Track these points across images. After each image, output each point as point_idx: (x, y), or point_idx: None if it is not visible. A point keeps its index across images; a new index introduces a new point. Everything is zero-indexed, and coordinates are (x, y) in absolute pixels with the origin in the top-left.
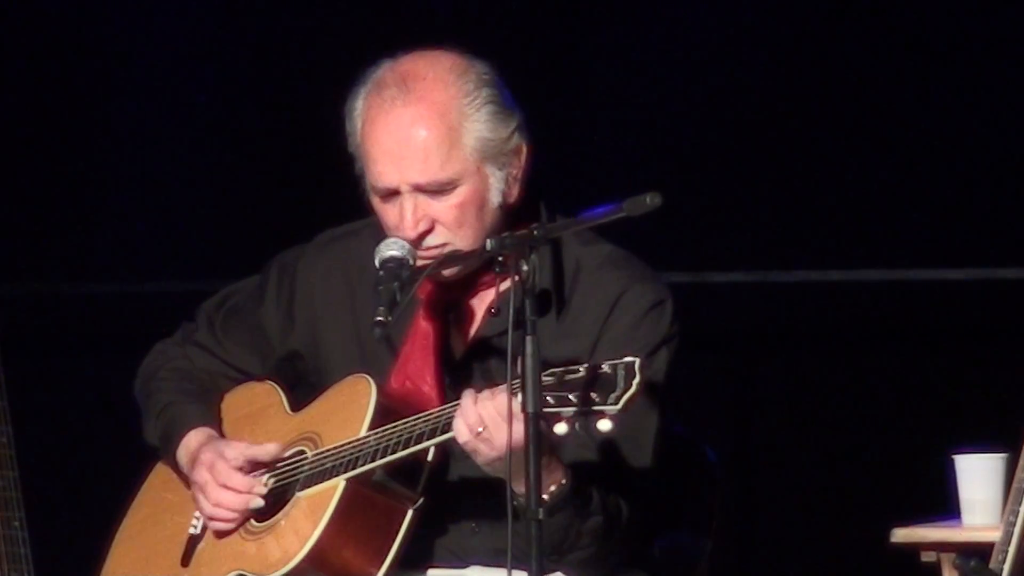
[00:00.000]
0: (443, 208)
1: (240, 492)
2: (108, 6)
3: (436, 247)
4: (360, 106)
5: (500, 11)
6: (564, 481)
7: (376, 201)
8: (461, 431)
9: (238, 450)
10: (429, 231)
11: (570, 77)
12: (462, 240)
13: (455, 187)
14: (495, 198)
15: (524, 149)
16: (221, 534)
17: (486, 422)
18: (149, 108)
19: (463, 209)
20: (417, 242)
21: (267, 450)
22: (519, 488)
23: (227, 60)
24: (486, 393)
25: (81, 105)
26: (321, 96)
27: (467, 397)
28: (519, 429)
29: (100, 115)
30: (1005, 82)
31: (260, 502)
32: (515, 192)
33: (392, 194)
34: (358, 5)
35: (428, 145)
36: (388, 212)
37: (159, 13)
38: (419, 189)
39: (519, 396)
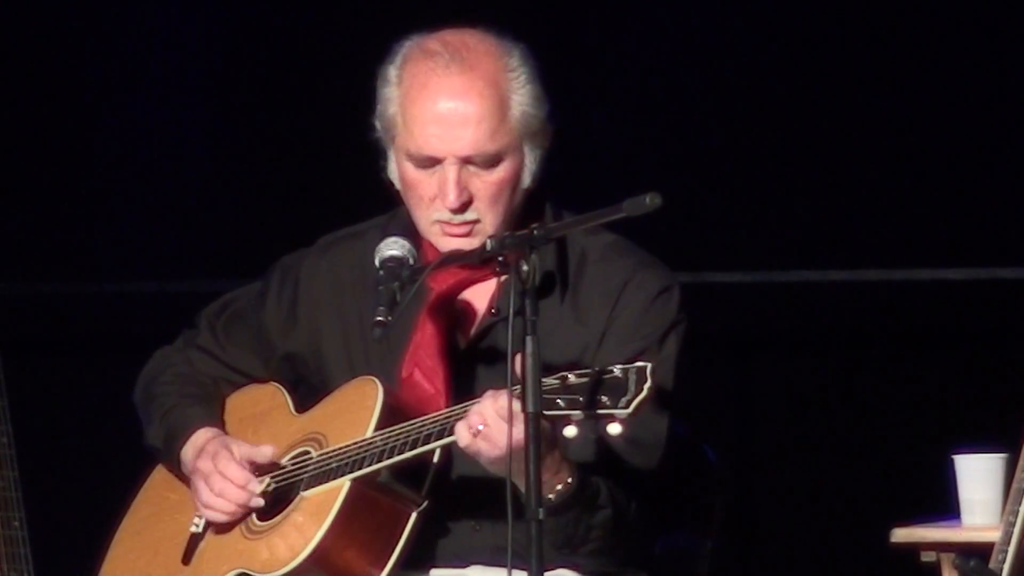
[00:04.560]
0: (484, 183)
1: (236, 485)
2: (108, 4)
3: (469, 222)
4: (401, 72)
5: (500, 11)
6: (571, 480)
7: (409, 170)
8: (462, 434)
9: (242, 449)
10: (468, 203)
11: (570, 77)
12: (493, 218)
13: (500, 161)
14: (527, 178)
15: (550, 134)
16: (222, 532)
17: (488, 422)
18: (149, 107)
19: (501, 186)
20: (458, 212)
21: (263, 452)
22: (523, 487)
23: (229, 59)
24: (489, 393)
25: (81, 104)
26: (323, 96)
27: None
28: (519, 429)
29: (100, 115)
30: (1005, 82)
31: (260, 501)
32: (538, 178)
33: (432, 164)
34: (361, 6)
35: (481, 116)
36: (423, 183)
37: (160, 11)
38: (466, 161)
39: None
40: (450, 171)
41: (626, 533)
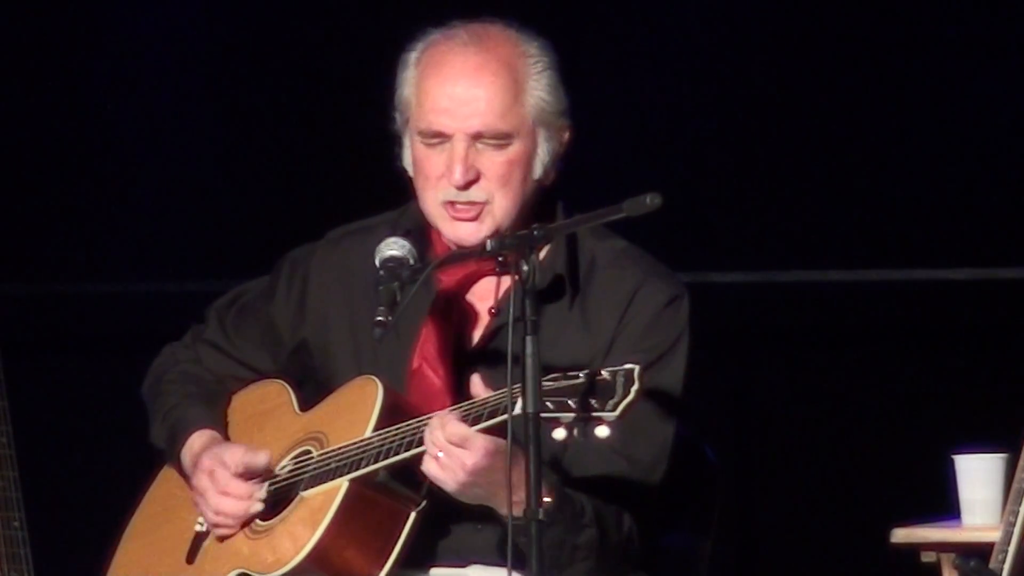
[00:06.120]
0: (493, 162)
1: (240, 499)
2: (110, 3)
3: (478, 203)
4: (420, 55)
5: (500, 11)
6: (548, 499)
7: (419, 149)
8: (426, 459)
9: (237, 456)
10: (474, 181)
11: (569, 76)
12: (502, 200)
13: (509, 142)
14: (538, 169)
15: (568, 133)
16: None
17: (441, 450)
18: (149, 106)
19: (511, 168)
20: (463, 189)
21: (260, 458)
22: (501, 508)
23: (230, 58)
24: (435, 421)
25: (82, 103)
26: (325, 96)
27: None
28: (473, 453)
29: (101, 114)
30: (1005, 82)
31: (260, 507)
32: (552, 174)
33: (441, 141)
34: (363, 5)
35: (493, 93)
36: (432, 160)
37: (162, 10)
38: (475, 137)
39: (518, 401)
40: (458, 146)
41: (618, 553)
